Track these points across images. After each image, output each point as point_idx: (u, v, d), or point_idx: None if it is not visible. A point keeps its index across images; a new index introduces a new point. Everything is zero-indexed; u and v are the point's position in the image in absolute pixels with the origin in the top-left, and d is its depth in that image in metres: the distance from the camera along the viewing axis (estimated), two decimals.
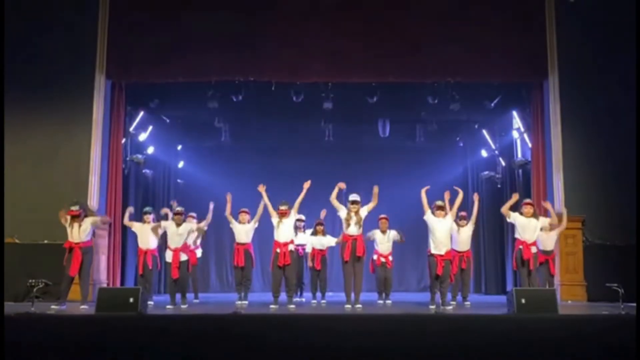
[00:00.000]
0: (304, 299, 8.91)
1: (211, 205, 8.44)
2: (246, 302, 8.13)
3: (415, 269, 11.23)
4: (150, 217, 8.27)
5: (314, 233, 8.70)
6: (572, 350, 5.12)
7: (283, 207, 7.54)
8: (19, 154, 8.67)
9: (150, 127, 10.83)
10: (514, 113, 10.47)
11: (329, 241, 8.63)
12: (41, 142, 8.96)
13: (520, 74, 9.32)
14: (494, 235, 11.25)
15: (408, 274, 12.26)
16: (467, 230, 8.43)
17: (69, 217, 7.37)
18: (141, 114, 10.42)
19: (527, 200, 7.67)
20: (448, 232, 7.42)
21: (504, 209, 7.51)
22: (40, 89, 9.00)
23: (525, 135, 10.16)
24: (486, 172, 11.58)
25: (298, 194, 7.45)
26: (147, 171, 10.89)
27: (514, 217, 7.47)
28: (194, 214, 9.15)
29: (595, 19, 9.09)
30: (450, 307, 7.26)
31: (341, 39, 9.09)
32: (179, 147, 12.23)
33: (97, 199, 8.83)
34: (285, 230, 7.53)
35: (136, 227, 8.25)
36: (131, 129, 10.29)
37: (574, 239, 8.67)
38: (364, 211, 7.37)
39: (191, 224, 8.06)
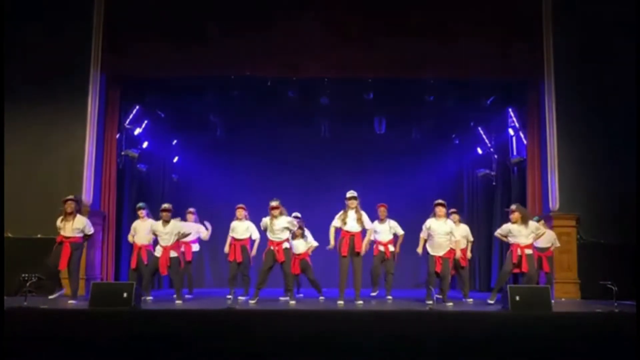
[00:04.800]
0: (302, 295, 8.88)
1: (208, 226, 8.97)
2: (244, 297, 8.04)
3: (409, 265, 11.21)
4: (144, 212, 8.23)
5: (293, 237, 8.21)
6: (565, 347, 5.15)
7: (274, 203, 7.47)
8: (12, 147, 8.59)
9: (146, 122, 10.78)
10: (510, 111, 10.47)
11: (307, 244, 8.44)
12: (35, 136, 8.88)
13: (517, 72, 9.31)
14: (487, 232, 11.26)
15: (402, 270, 12.24)
16: (463, 229, 8.43)
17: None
18: (136, 108, 10.36)
19: (512, 207, 7.67)
20: (447, 235, 7.44)
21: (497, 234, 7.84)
22: (34, 83, 8.92)
23: (521, 133, 10.16)
24: (481, 170, 11.59)
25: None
26: (141, 166, 10.85)
27: (507, 230, 7.58)
28: (192, 209, 9.12)
29: (593, 18, 9.08)
30: (451, 304, 7.26)
31: (338, 34, 9.04)
32: (174, 142, 12.19)
33: (92, 193, 8.77)
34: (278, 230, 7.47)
35: (136, 226, 8.21)
36: (126, 123, 10.24)
37: (569, 236, 8.68)
38: (367, 220, 7.44)
39: (179, 226, 7.81)
